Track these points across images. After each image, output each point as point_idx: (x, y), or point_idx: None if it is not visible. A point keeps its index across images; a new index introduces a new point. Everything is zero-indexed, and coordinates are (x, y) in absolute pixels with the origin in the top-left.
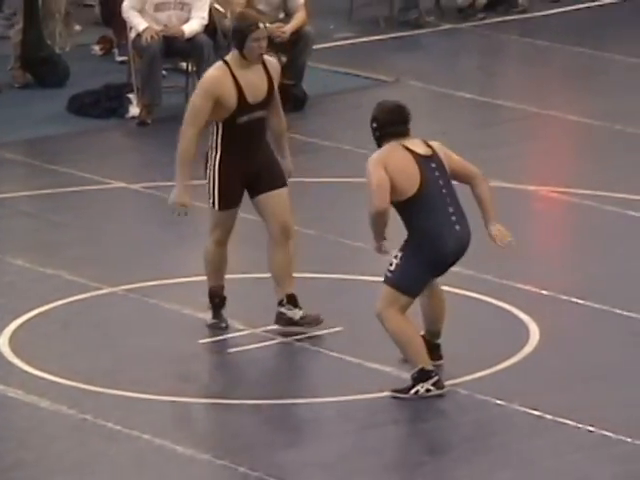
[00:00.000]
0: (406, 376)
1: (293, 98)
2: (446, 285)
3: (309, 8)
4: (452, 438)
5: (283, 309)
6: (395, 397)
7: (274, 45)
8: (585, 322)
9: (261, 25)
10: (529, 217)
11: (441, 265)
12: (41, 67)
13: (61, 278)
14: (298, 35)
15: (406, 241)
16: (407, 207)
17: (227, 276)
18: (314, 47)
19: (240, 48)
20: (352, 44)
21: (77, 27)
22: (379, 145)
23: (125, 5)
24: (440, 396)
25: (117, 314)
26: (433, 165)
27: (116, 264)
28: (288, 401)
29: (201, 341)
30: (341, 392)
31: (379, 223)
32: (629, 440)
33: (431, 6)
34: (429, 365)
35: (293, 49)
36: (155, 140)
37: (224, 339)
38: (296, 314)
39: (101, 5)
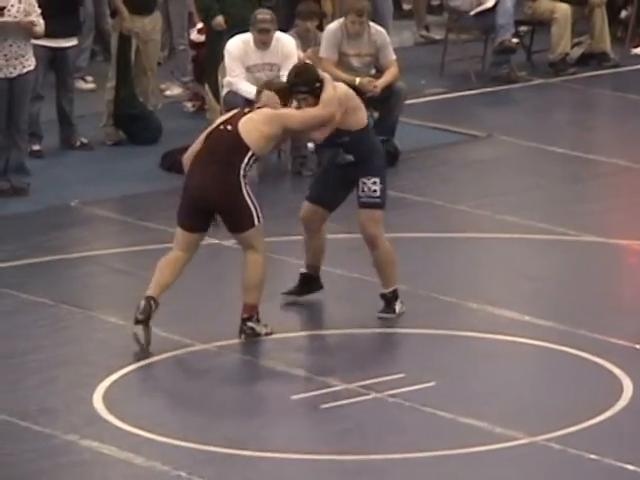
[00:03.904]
0: (499, 430)
1: (385, 154)
2: (540, 340)
3: (400, 64)
4: None
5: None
6: (383, 318)
7: (366, 100)
8: None
9: None
10: (622, 271)
11: None
12: (133, 124)
13: (154, 335)
14: (390, 90)
15: (374, 167)
16: (362, 134)
17: (321, 332)
18: (406, 102)
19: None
20: (444, 99)
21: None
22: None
23: (228, 79)
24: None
25: (210, 371)
26: None
27: (209, 320)
28: (382, 456)
29: (294, 397)
30: (435, 447)
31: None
32: None
33: (522, 61)
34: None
35: (385, 104)
36: None
37: (317, 395)
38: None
39: (193, 62)
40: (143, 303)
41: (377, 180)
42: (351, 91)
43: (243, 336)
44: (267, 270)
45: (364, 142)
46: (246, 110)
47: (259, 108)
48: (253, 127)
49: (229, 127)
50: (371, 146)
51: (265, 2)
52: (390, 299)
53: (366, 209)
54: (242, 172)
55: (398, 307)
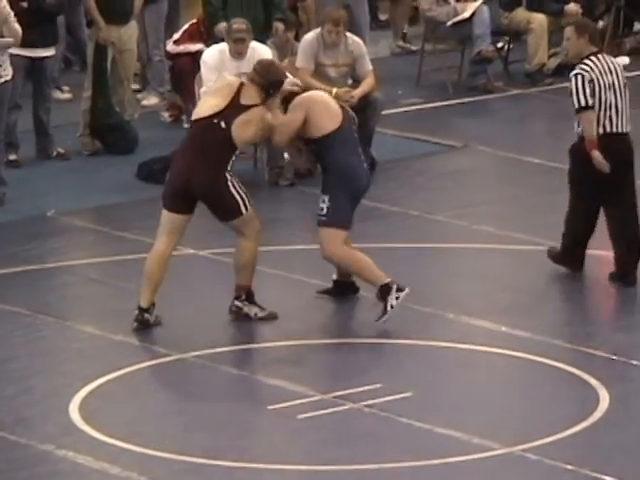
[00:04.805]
0: (476, 441)
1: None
2: (517, 351)
3: (377, 74)
4: None
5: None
6: (381, 321)
7: None
8: None
9: None
10: (599, 282)
11: (359, 196)
12: (110, 134)
13: (131, 345)
14: (367, 101)
15: (328, 184)
16: (325, 143)
17: (297, 342)
18: (383, 113)
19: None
20: (420, 109)
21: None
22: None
23: (205, 89)
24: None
25: (186, 380)
26: (349, 113)
27: (185, 330)
28: (358, 467)
29: (270, 407)
30: (412, 458)
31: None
32: None
33: (499, 71)
34: (385, 279)
35: (362, 115)
36: None
37: (294, 405)
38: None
39: (170, 72)
40: (135, 320)
41: (326, 198)
42: (319, 97)
43: (230, 314)
44: (257, 255)
45: (327, 152)
46: (241, 102)
47: (254, 106)
48: (248, 130)
49: (222, 124)
50: (331, 160)
51: (276, 11)
52: (383, 295)
53: (319, 228)
54: (228, 167)
55: (391, 301)
